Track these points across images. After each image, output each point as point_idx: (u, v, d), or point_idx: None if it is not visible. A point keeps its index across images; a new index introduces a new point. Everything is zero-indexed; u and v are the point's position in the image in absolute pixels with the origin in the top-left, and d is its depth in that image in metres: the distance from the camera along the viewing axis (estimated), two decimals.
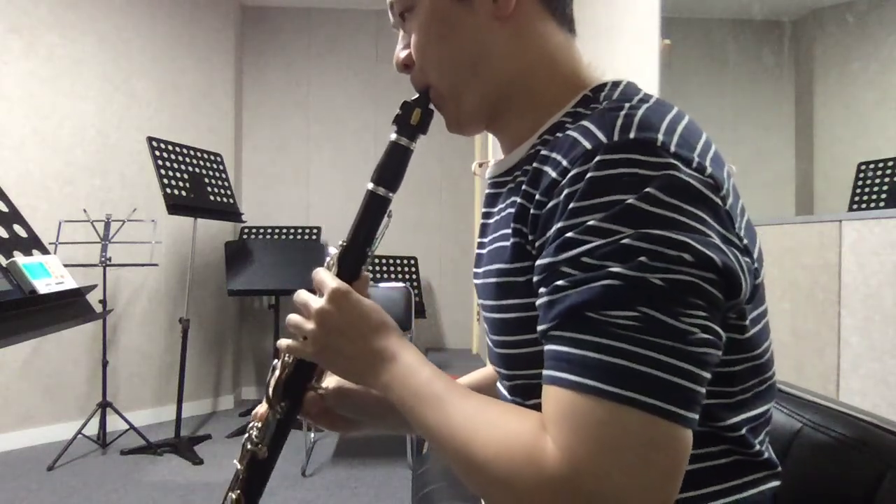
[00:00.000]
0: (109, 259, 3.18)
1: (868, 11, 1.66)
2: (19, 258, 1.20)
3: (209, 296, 4.01)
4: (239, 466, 0.70)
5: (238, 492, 0.69)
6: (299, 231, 4.17)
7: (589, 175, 0.50)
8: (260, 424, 0.71)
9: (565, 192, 0.52)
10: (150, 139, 3.19)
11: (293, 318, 0.67)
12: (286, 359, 0.71)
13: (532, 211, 0.56)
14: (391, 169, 0.68)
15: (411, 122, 0.68)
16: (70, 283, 1.26)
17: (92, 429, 3.22)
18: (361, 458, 3.14)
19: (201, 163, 3.46)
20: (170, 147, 3.28)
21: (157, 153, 3.18)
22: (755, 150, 1.95)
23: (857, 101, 1.71)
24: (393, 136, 0.69)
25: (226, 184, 3.56)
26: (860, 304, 1.27)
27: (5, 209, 1.26)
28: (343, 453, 3.20)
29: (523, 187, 0.59)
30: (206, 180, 3.44)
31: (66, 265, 1.30)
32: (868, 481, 0.67)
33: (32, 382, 3.33)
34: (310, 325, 0.65)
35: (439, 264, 4.59)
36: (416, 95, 0.70)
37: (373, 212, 0.69)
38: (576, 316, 0.49)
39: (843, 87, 1.78)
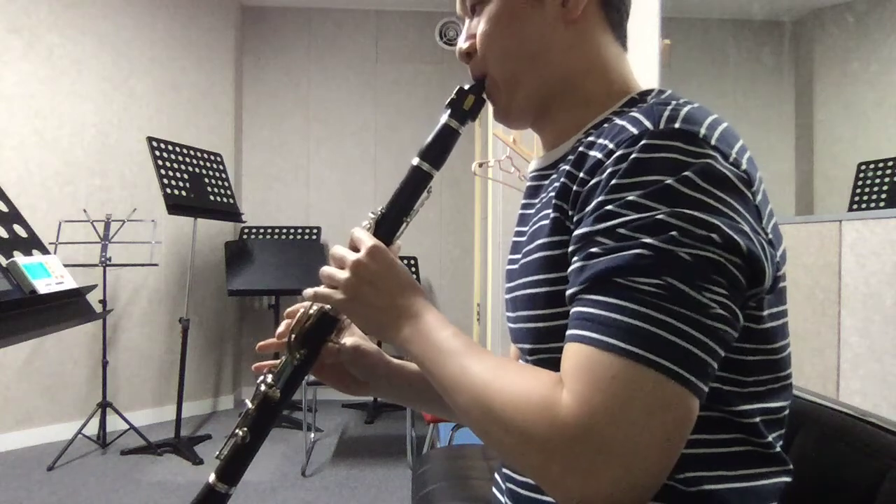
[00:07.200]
0: (109, 259, 3.18)
1: (868, 11, 1.66)
2: (19, 258, 1.19)
3: (209, 296, 4.01)
4: (250, 406, 0.74)
5: (245, 429, 0.72)
6: (299, 231, 4.17)
7: (633, 156, 0.54)
8: (276, 370, 0.75)
9: (609, 170, 0.55)
10: (149, 139, 3.19)
11: (326, 269, 0.71)
12: (310, 310, 0.74)
13: (574, 188, 0.59)
14: (438, 148, 0.73)
15: (464, 107, 0.73)
16: (70, 283, 1.26)
17: (92, 429, 3.22)
18: (361, 458, 3.13)
19: (201, 163, 3.45)
20: (170, 147, 3.28)
21: (157, 153, 3.18)
22: (755, 150, 1.94)
23: (857, 101, 1.71)
24: (444, 118, 0.73)
25: (226, 184, 3.56)
26: (860, 304, 1.27)
27: (5, 209, 1.26)
28: (343, 453, 3.20)
29: (567, 168, 0.62)
30: (206, 180, 3.43)
31: (66, 265, 1.29)
32: (868, 481, 0.67)
33: (32, 382, 3.33)
34: (343, 275, 0.68)
35: (439, 264, 4.59)
36: (472, 83, 0.74)
37: (414, 184, 0.74)
38: (604, 280, 0.52)
39: (843, 87, 1.77)
